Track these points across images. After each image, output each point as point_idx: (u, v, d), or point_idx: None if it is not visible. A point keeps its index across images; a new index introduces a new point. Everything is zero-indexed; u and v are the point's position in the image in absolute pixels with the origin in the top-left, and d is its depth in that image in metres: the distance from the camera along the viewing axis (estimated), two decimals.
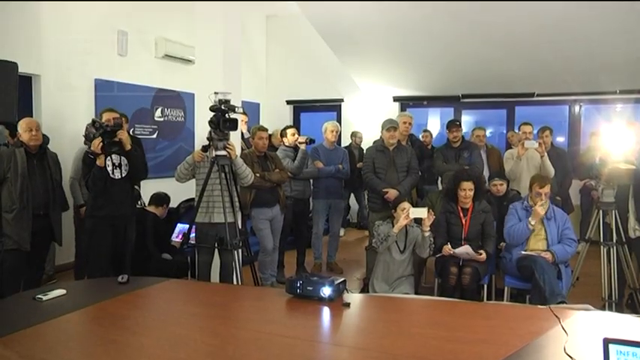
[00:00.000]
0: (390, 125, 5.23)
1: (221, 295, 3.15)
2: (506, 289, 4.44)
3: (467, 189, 4.47)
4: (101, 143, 4.08)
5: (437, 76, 8.29)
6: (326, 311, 2.62)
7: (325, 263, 6.28)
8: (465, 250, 4.27)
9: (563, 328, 2.32)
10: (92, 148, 4.11)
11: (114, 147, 4.16)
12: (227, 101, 4.18)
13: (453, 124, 5.69)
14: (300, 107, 10.03)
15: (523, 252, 4.28)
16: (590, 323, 2.50)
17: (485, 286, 4.43)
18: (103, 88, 6.47)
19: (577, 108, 8.44)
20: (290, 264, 5.96)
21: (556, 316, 2.48)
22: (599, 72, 7.19)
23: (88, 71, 6.34)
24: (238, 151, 4.66)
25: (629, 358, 1.46)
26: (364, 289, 4.81)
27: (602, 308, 4.15)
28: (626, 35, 6.45)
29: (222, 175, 4.21)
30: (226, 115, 4.15)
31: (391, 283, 4.12)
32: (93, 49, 6.36)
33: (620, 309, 4.29)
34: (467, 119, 9.07)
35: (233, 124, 4.19)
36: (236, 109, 4.25)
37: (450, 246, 4.34)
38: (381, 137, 5.44)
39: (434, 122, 9.80)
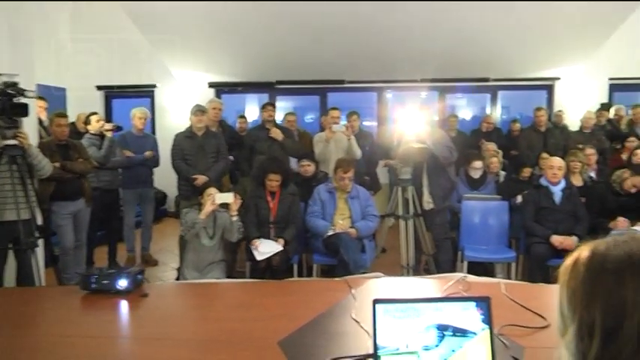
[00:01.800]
0: (197, 109, 5.21)
1: (4, 300, 2.85)
2: (315, 266, 4.67)
3: (274, 180, 4.58)
4: None
5: (251, 63, 8.36)
6: (124, 304, 2.52)
7: (140, 255, 6.04)
8: (269, 248, 4.38)
9: (353, 296, 2.51)
10: None
11: None
12: (14, 84, 3.78)
13: (268, 104, 5.88)
14: (111, 93, 9.39)
15: (330, 231, 4.53)
16: (377, 289, 2.73)
17: (296, 265, 4.61)
18: None
19: (385, 94, 9.16)
20: (101, 259, 5.64)
21: (349, 286, 2.66)
22: (403, 62, 7.84)
23: None
24: (33, 140, 4.26)
25: (393, 313, 1.62)
26: (179, 278, 4.72)
27: (402, 274, 4.56)
28: (424, 30, 7.13)
29: (14, 167, 3.80)
30: (14, 99, 3.75)
31: (202, 269, 4.09)
32: None
33: (417, 274, 4.72)
34: (283, 105, 9.29)
35: (22, 110, 3.81)
36: (26, 92, 3.87)
37: (259, 242, 4.41)
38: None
39: (251, 108, 9.90)
